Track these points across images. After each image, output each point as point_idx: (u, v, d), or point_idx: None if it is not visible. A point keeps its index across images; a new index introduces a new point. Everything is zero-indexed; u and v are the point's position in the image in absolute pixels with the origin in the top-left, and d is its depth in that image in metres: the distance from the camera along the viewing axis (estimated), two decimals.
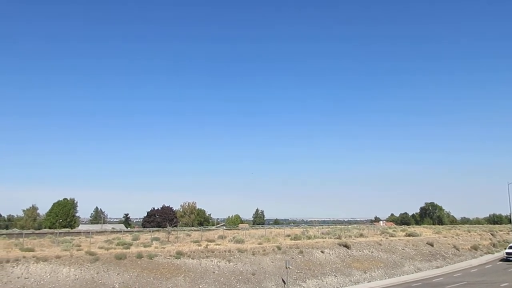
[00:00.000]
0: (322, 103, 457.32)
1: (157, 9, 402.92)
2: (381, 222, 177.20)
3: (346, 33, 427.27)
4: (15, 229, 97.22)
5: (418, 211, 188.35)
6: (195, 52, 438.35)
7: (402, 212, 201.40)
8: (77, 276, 29.57)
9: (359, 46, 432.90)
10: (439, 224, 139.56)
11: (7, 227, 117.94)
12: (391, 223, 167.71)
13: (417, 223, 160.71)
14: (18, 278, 28.10)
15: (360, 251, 47.07)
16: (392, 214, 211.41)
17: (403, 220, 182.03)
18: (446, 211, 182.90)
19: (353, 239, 51.58)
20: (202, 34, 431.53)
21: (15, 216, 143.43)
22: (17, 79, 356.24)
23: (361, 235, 56.36)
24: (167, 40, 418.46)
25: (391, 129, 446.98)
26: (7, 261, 29.34)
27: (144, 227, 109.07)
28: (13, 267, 28.97)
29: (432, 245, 57.35)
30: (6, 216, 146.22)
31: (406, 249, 52.51)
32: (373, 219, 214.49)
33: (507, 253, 56.94)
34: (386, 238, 55.39)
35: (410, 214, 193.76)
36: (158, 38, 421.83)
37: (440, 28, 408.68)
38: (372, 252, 47.84)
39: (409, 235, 60.51)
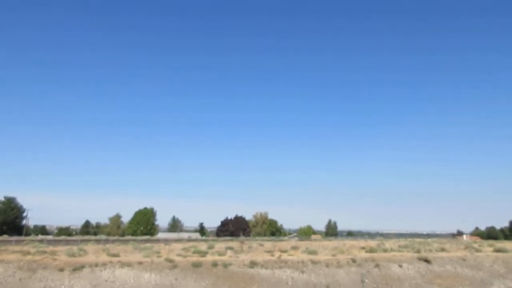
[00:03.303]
0: (396, 115, 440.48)
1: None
2: (464, 236, 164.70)
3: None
4: (102, 235, 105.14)
5: (507, 224, 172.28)
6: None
7: (489, 225, 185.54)
8: (157, 282, 31.16)
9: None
10: None
11: (95, 234, 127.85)
12: (476, 237, 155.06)
13: (507, 238, 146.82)
14: (105, 281, 30.31)
15: (442, 266, 44.13)
16: (476, 228, 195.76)
17: (489, 235, 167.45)
18: None
19: (434, 253, 48.51)
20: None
21: (102, 224, 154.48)
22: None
23: (443, 250, 52.77)
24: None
25: (475, 130, 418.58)
26: (96, 265, 31.80)
27: (218, 236, 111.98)
28: (101, 271, 31.31)
29: None
30: (94, 223, 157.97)
31: (495, 266, 48.17)
32: (455, 232, 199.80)
33: None
34: (471, 254, 51.27)
35: (498, 228, 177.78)
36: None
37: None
38: (455, 268, 44.62)
39: (498, 251, 55.39)
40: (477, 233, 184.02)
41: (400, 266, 41.63)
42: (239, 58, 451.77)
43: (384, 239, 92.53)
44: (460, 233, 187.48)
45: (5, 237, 73.15)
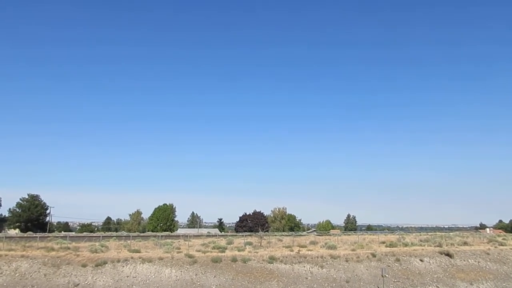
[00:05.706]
0: (415, 107, 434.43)
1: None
2: (487, 229, 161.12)
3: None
4: (123, 231, 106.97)
5: None
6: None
7: None
8: (178, 277, 31.52)
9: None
10: None
11: (116, 230, 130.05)
12: (500, 230, 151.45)
13: None
14: (127, 277, 30.81)
15: (464, 260, 43.39)
16: (500, 221, 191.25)
17: None
18: None
19: (456, 247, 47.73)
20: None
21: (123, 220, 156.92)
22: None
23: (465, 243, 51.89)
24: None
25: (498, 122, 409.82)
26: (118, 261, 32.34)
27: (236, 232, 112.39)
28: (123, 266, 31.85)
29: None
30: (115, 220, 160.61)
31: None
32: (478, 226, 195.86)
33: None
34: (495, 247, 50.27)
35: None
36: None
37: None
38: (478, 262, 43.80)
39: None
40: (501, 226, 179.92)
41: (421, 260, 41.12)
42: (253, 52, 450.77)
43: (404, 233, 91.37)
44: (483, 227, 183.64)
45: (29, 233, 75.00)
